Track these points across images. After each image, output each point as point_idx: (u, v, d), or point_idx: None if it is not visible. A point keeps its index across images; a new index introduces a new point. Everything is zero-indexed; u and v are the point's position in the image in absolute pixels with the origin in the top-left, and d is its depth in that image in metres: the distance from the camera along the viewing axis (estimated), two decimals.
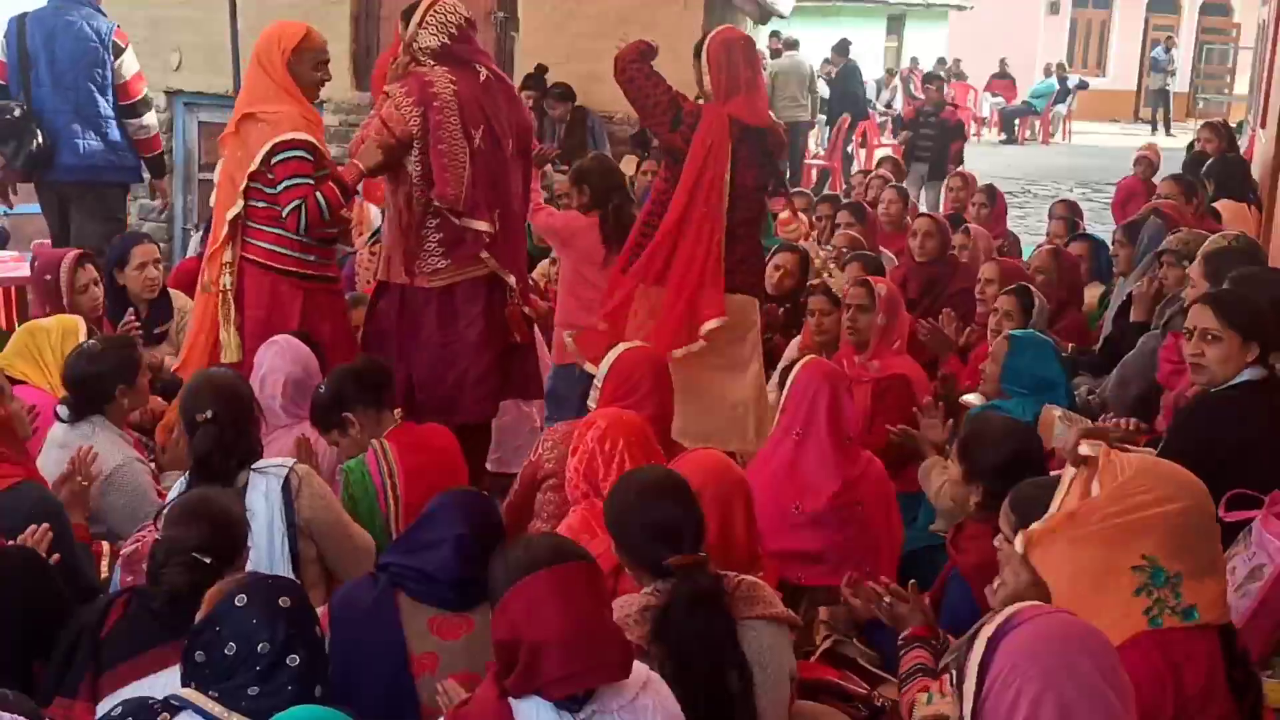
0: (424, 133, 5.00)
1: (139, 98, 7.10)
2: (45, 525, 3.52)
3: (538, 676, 2.52)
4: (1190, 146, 12.12)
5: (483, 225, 5.12)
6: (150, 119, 7.20)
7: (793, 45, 16.38)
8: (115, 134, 7.03)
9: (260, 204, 5.00)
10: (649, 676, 2.67)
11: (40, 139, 6.81)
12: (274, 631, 2.70)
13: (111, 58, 6.95)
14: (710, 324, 5.21)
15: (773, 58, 15.98)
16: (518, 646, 2.53)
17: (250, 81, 5.17)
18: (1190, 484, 2.71)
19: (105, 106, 6.94)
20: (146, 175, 7.50)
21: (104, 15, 7.09)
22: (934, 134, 13.43)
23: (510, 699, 2.57)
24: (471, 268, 5.19)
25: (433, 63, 5.05)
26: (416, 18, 5.06)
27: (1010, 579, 2.91)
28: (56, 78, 6.89)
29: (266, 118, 4.98)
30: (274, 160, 4.94)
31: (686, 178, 5.21)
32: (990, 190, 9.11)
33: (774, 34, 17.22)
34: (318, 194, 4.95)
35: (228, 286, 5.01)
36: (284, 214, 4.96)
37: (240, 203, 4.97)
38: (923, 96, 15.11)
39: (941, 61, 25.42)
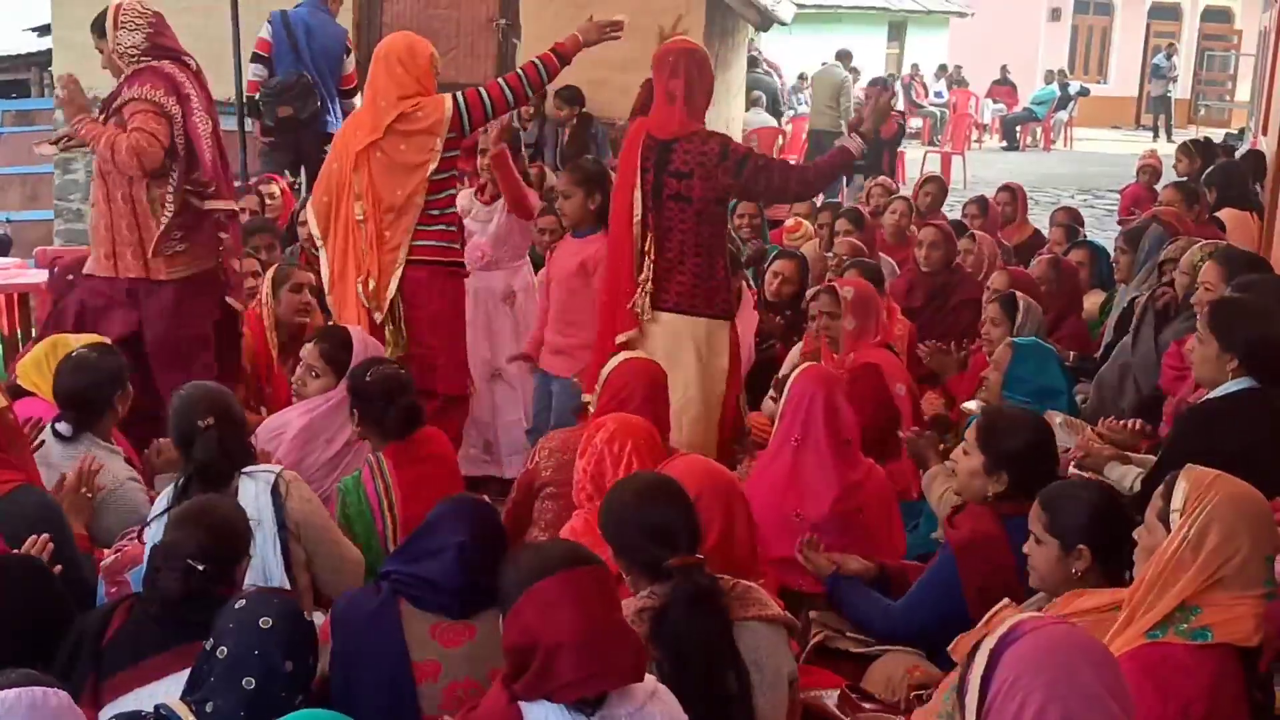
0: (183, 119, 5.16)
1: (353, 86, 9.27)
2: (46, 535, 3.51)
3: (552, 679, 2.51)
4: None
5: (230, 205, 5.40)
6: (359, 100, 8.75)
7: (844, 56, 16.36)
8: (337, 108, 9.22)
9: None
10: (656, 687, 2.67)
11: (319, 102, 9.06)
12: (240, 648, 2.74)
13: (345, 56, 9.32)
14: (620, 337, 5.08)
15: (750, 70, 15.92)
16: (532, 650, 2.53)
17: (397, 90, 5.26)
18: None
19: (334, 87, 9.23)
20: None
21: (335, 21, 9.42)
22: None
23: (521, 703, 2.57)
24: (204, 259, 5.33)
25: (148, 59, 5.21)
26: (110, 23, 5.22)
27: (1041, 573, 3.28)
28: (313, 61, 9.07)
29: (420, 105, 5.25)
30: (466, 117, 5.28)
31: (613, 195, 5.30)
32: (981, 201, 9.11)
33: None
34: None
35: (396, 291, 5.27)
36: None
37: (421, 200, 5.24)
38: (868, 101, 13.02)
39: (943, 68, 25.46)
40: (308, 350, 4.88)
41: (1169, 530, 2.86)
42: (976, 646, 2.33)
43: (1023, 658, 2.22)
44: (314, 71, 9.08)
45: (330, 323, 5.37)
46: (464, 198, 6.23)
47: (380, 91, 5.28)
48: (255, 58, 9.14)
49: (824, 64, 15.95)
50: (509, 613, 2.60)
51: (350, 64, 9.34)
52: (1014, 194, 9.41)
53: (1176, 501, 2.86)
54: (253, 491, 3.75)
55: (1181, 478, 2.90)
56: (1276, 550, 2.84)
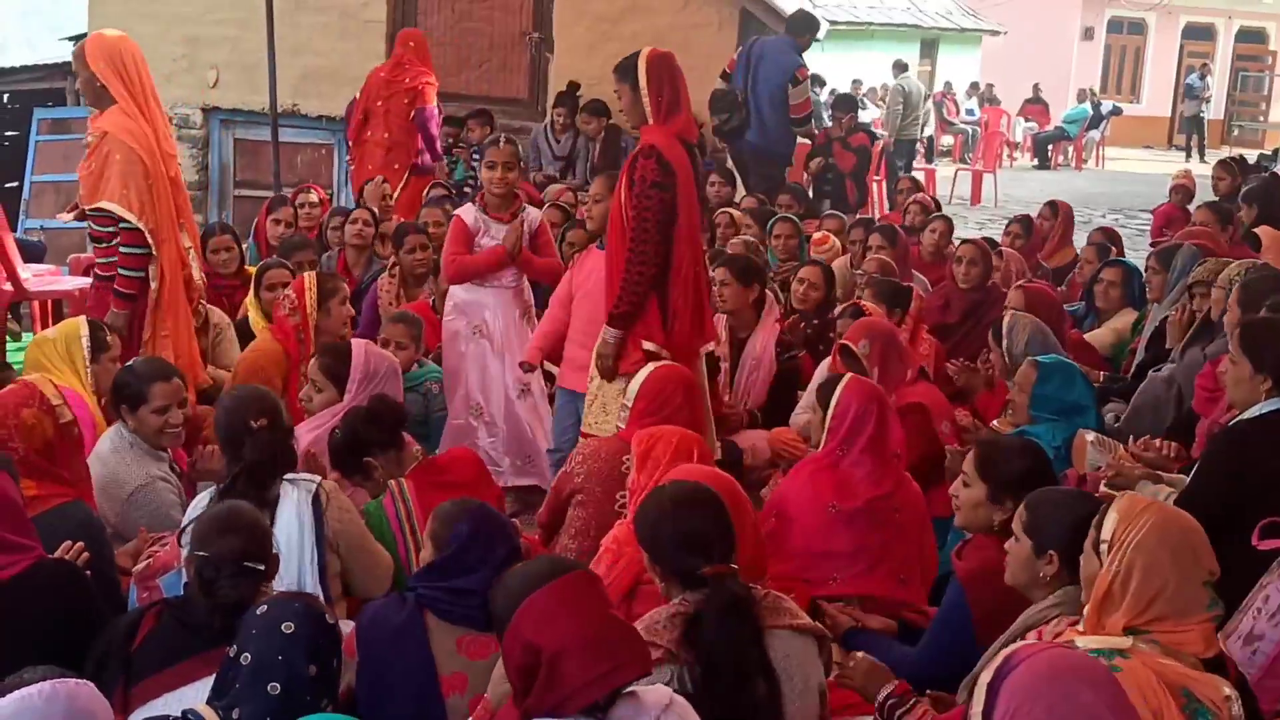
0: None
1: (802, 115, 10.18)
2: (80, 544, 3.54)
3: (562, 687, 2.50)
4: None
5: None
6: (809, 130, 10.55)
7: (903, 68, 16.63)
8: (771, 129, 10.10)
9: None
10: (672, 699, 2.66)
11: (742, 117, 10.08)
12: (264, 653, 2.75)
13: (791, 86, 9.98)
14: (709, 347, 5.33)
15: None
16: (536, 663, 2.52)
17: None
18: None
19: (770, 114, 10.00)
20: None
21: (798, 55, 10.16)
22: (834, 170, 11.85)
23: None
24: None
25: None
26: None
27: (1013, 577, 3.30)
28: (758, 85, 10.00)
29: None
30: None
31: (682, 210, 5.00)
32: (1025, 221, 9.05)
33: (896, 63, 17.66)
34: None
35: None
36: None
37: None
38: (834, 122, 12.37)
39: (975, 86, 25.39)
40: (310, 366, 4.87)
41: (1100, 560, 2.84)
42: (974, 682, 2.32)
43: (1020, 687, 2.22)
44: (753, 93, 9.96)
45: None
46: (468, 213, 5.98)
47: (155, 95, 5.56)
48: (722, 74, 10.42)
49: (907, 76, 16.32)
50: (506, 634, 2.60)
51: (797, 95, 9.97)
52: (1056, 210, 9.34)
53: (1105, 533, 2.84)
54: (294, 498, 3.78)
55: (1113, 508, 2.87)
56: (1211, 575, 2.79)
